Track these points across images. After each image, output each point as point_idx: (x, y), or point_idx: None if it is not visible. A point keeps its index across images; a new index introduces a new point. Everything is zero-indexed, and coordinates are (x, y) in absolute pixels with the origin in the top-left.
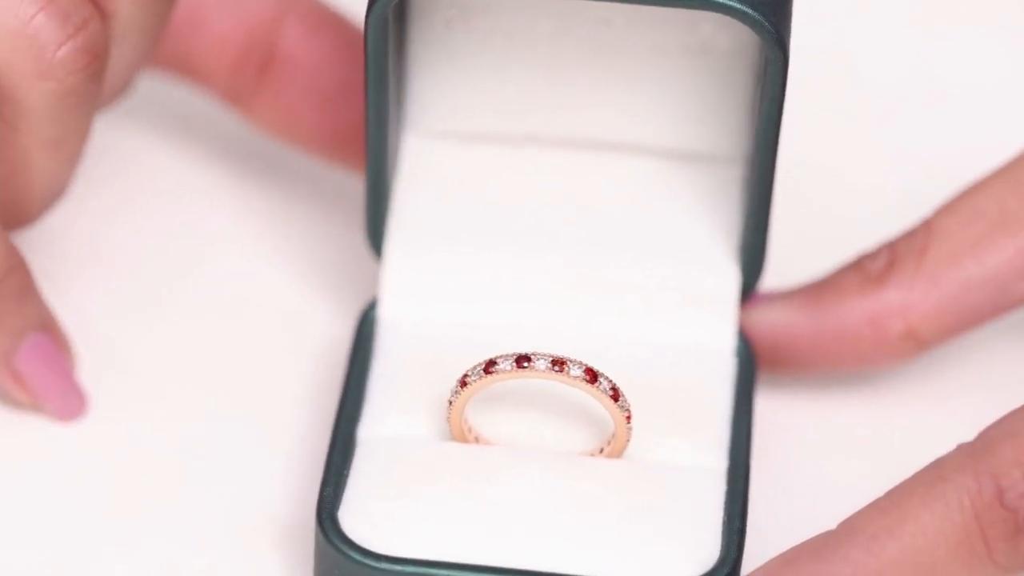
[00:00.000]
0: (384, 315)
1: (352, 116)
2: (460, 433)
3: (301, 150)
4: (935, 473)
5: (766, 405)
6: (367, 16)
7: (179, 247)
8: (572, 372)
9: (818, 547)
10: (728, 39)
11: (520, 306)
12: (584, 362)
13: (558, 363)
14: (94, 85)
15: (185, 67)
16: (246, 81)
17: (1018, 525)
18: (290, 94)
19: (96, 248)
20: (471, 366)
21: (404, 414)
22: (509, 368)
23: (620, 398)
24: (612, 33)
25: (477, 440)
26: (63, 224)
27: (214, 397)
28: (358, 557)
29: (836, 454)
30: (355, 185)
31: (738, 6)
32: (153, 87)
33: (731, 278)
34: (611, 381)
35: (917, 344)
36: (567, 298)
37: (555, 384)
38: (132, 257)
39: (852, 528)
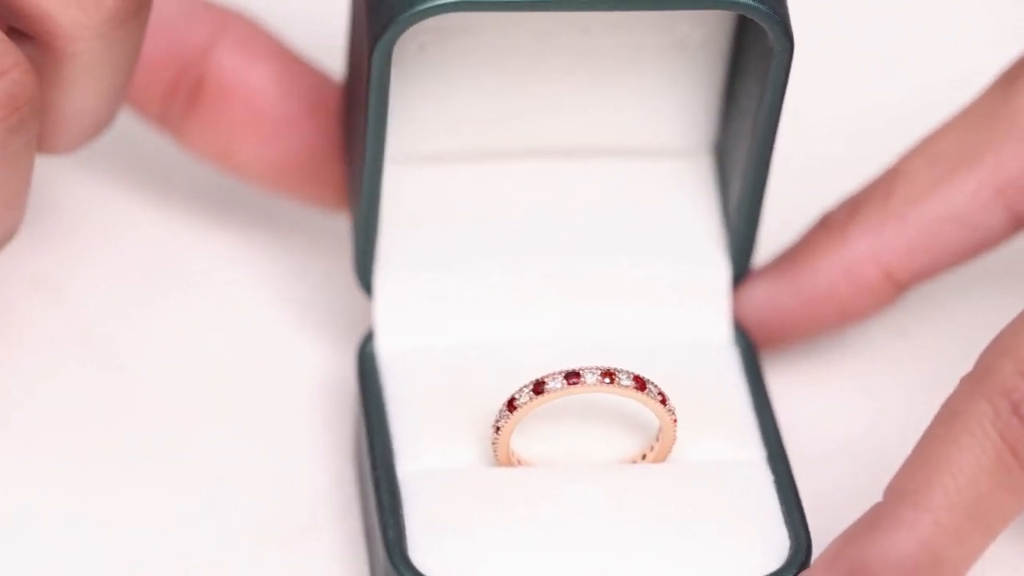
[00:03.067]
0: (383, 349)
1: (295, 147)
2: (507, 458)
3: (238, 179)
4: (949, 412)
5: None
6: (372, 47)
7: (160, 282)
8: (622, 382)
9: (871, 519)
10: (702, 33)
11: (518, 321)
12: (631, 370)
13: (607, 374)
14: (18, 137)
15: None
16: (177, 108)
17: None
18: (226, 123)
19: (93, 268)
20: (516, 388)
21: (438, 445)
22: (560, 386)
23: (668, 402)
24: (591, 40)
25: (519, 461)
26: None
27: (207, 437)
28: None
29: (855, 424)
30: (325, 218)
31: (747, 1)
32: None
33: (721, 269)
34: (657, 386)
35: (895, 286)
36: (563, 307)
37: (586, 395)
38: (115, 291)
39: (896, 491)
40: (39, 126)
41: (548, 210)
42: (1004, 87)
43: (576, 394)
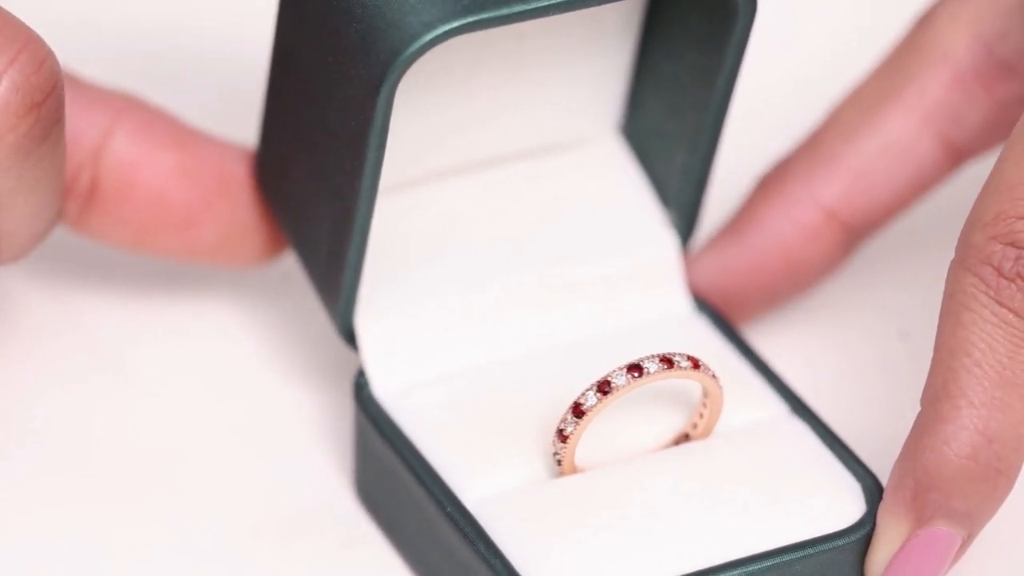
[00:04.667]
0: (379, 389)
1: (209, 229)
2: (572, 464)
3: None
4: (950, 300)
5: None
6: (378, 92)
7: (164, 290)
8: (681, 364)
9: (918, 429)
10: (619, 15)
11: (500, 334)
12: (684, 352)
13: (665, 360)
14: None
15: None
16: (74, 207)
17: None
18: (132, 219)
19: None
20: (580, 393)
21: (488, 469)
22: (625, 382)
23: (717, 376)
24: (527, 43)
25: (576, 468)
26: None
27: (210, 449)
28: None
29: (854, 420)
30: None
31: None
32: None
33: (669, 244)
34: (705, 362)
35: (842, 228)
36: (537, 311)
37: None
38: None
39: (927, 395)
40: None
41: (499, 221)
42: (921, 24)
43: (641, 386)
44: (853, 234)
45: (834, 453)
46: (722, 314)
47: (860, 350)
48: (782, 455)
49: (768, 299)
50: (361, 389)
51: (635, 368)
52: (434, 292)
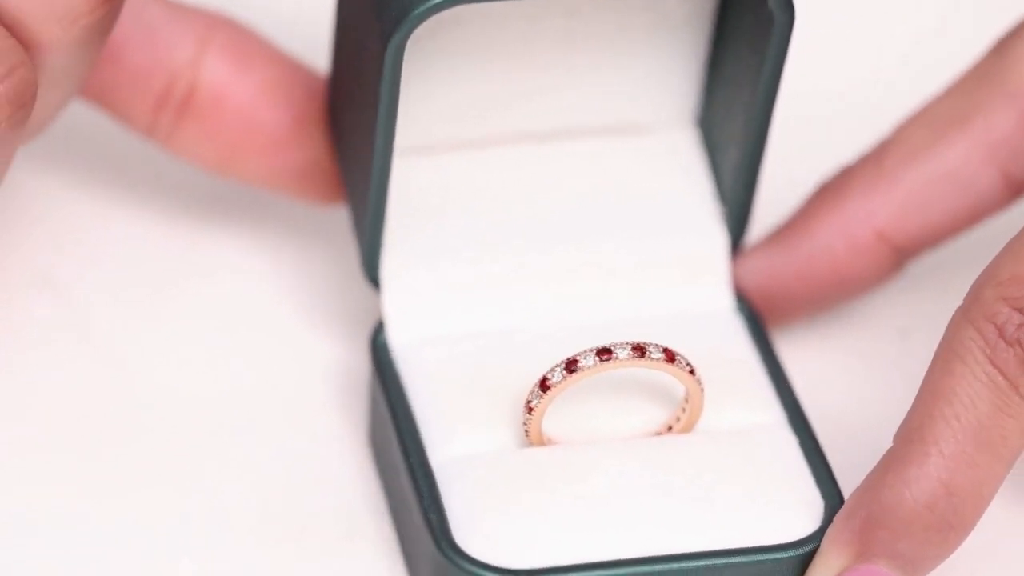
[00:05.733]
0: (394, 339)
1: (296, 154)
2: (539, 437)
3: (241, 184)
4: (946, 347)
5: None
6: (386, 46)
7: (172, 277)
8: (653, 355)
9: (883, 464)
10: (685, 9)
11: (524, 306)
12: (659, 343)
13: (638, 349)
14: (17, 132)
15: (104, 101)
16: (167, 120)
17: None
18: (222, 134)
19: (95, 267)
20: (548, 368)
21: (467, 430)
22: (592, 364)
23: (696, 372)
24: (579, 22)
25: (549, 441)
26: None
27: (217, 427)
28: None
29: (864, 401)
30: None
31: None
32: None
33: (718, 239)
34: (685, 357)
35: (891, 249)
36: (567, 287)
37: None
38: (132, 287)
39: (901, 433)
40: None
41: (542, 193)
42: (996, 53)
43: (608, 370)
44: (904, 254)
45: (811, 467)
46: (758, 315)
47: (860, 350)
48: (756, 461)
49: (812, 306)
50: (376, 336)
51: (605, 352)
52: (466, 253)
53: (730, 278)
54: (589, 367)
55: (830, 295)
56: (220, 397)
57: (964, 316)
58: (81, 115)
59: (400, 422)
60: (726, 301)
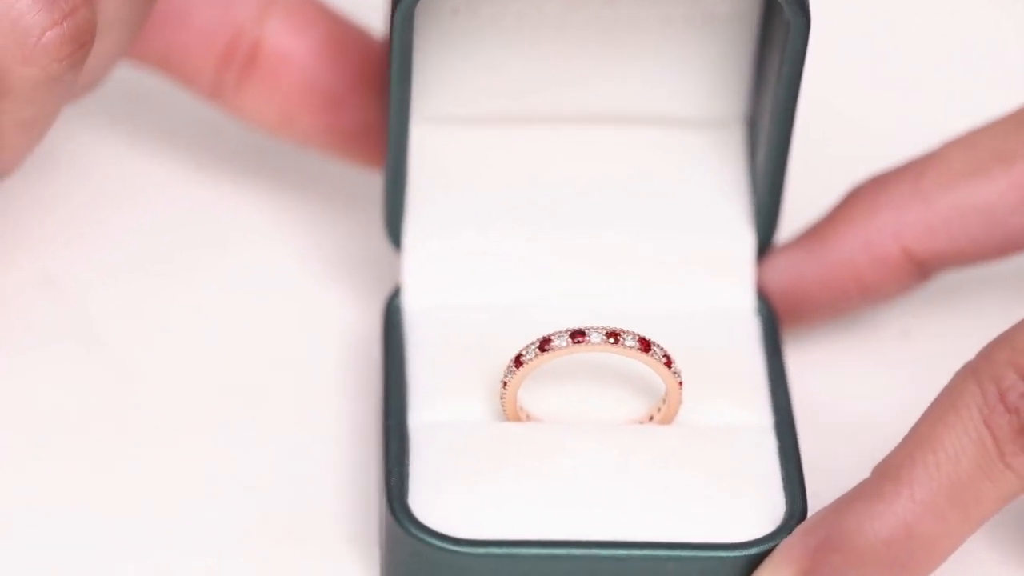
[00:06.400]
0: (409, 303)
1: (352, 114)
2: (514, 413)
3: (297, 146)
4: (947, 396)
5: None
6: (394, 9)
7: (190, 240)
8: (627, 343)
9: (854, 492)
10: (729, 6)
11: (541, 285)
12: (636, 332)
13: (612, 335)
14: (76, 73)
15: (168, 63)
16: (231, 78)
17: (1022, 424)
18: (284, 92)
19: (107, 241)
20: (524, 345)
21: (451, 399)
22: (565, 344)
23: (672, 365)
24: (617, 11)
25: (528, 417)
26: (73, 215)
27: (234, 392)
28: (438, 543)
29: (864, 401)
30: (354, 175)
31: None
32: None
33: (746, 239)
34: (663, 348)
35: (915, 265)
36: (587, 271)
37: (597, 356)
38: (145, 252)
39: (881, 467)
40: None
41: (574, 176)
42: None
43: (580, 352)
44: (927, 270)
45: (783, 473)
46: (776, 318)
47: (863, 351)
48: (727, 459)
49: (832, 312)
50: (392, 300)
51: (578, 334)
52: (491, 226)
53: (754, 279)
54: (561, 347)
55: (851, 303)
56: (222, 395)
57: (971, 371)
58: (81, 115)
59: (391, 383)
60: (747, 301)
